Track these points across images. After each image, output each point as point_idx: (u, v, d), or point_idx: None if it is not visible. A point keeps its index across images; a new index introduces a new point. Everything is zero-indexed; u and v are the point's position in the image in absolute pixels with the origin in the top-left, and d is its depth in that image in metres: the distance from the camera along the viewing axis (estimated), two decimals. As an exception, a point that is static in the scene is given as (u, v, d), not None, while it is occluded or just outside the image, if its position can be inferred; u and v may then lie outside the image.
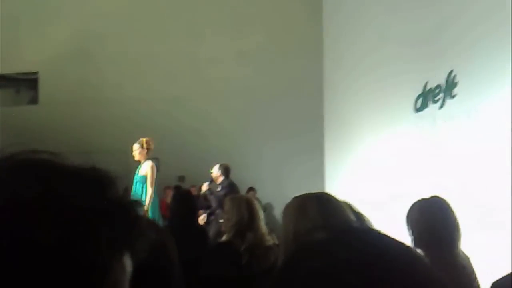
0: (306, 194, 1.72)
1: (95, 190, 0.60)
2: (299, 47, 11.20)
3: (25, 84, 12.17)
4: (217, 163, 7.10)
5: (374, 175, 7.23)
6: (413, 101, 6.52)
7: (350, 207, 1.70)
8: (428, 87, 6.25)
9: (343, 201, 1.70)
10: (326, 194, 1.67)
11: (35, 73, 12.00)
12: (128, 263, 0.60)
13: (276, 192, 10.59)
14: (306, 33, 11.03)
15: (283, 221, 1.64)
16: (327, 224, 1.51)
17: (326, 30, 9.50)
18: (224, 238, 3.51)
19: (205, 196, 6.85)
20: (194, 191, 9.11)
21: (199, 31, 11.51)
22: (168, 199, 10.14)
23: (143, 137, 11.24)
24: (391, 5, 7.20)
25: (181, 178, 11.07)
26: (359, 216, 1.74)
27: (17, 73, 12.05)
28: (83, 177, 0.62)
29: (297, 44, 11.27)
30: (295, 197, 1.72)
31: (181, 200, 4.35)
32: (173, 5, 11.46)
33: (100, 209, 0.58)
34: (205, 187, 7.03)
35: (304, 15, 11.10)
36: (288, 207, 1.67)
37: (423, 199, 2.51)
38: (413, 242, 2.40)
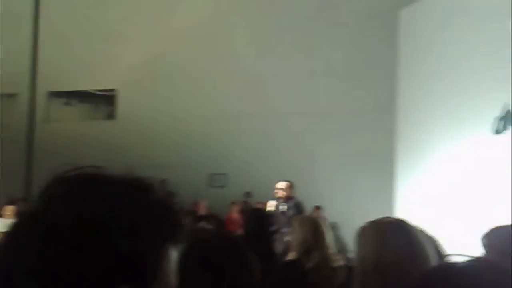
0: (385, 220, 1.69)
1: (141, 196, 0.73)
2: (372, 66, 11.09)
3: (103, 100, 12.75)
4: (283, 180, 7.08)
5: (448, 198, 6.98)
6: (491, 123, 6.30)
7: (425, 234, 1.68)
8: (507, 109, 6.02)
9: (418, 228, 1.68)
10: (404, 221, 1.65)
11: (113, 90, 12.61)
12: (172, 253, 0.74)
13: (343, 211, 10.47)
14: (379, 52, 10.90)
15: (360, 247, 1.61)
16: (410, 254, 1.50)
17: (401, 45, 9.33)
18: (290, 256, 3.54)
19: (271, 214, 6.85)
20: (260, 207, 9.18)
21: (271, 51, 11.68)
22: (234, 214, 10.29)
23: (212, 153, 11.58)
24: (473, 23, 7.00)
25: (248, 194, 11.20)
26: (434, 243, 1.72)
27: (97, 90, 12.63)
28: (130, 186, 0.75)
29: (369, 64, 11.17)
30: (372, 222, 1.68)
31: (256, 217, 4.41)
32: (242, 24, 11.72)
33: (148, 214, 0.71)
34: (271, 205, 6.98)
35: (379, 31, 10.96)
36: (364, 233, 1.64)
37: (504, 226, 2.48)
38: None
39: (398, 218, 1.74)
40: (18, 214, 0.73)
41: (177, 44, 11.89)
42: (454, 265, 1.01)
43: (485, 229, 2.54)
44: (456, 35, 7.33)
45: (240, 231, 6.26)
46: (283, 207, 6.72)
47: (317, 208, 10.53)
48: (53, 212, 0.66)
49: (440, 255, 1.71)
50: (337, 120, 11.25)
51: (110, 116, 12.74)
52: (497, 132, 6.23)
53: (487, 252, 2.46)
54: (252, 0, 11.85)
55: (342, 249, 6.00)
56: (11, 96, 12.75)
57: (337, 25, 11.43)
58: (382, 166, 9.92)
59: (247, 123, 11.55)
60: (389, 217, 2.65)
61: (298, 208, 6.65)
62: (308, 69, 11.47)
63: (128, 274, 0.67)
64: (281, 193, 6.79)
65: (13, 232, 0.68)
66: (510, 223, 2.53)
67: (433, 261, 1.55)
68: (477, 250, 2.53)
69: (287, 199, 6.76)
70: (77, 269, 0.64)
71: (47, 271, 0.63)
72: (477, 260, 1.02)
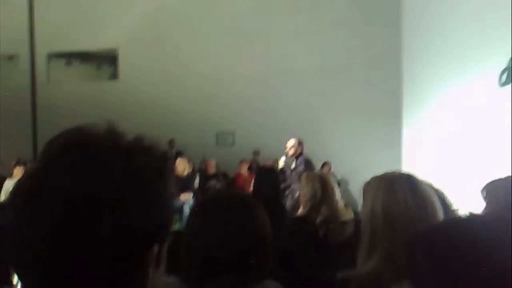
0: (392, 174, 1.72)
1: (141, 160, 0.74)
2: (375, 18, 10.92)
3: (106, 60, 12.64)
4: (292, 138, 7.16)
5: (453, 151, 7.01)
6: (498, 73, 6.22)
7: (433, 188, 1.71)
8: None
9: (426, 182, 1.71)
10: (412, 175, 1.68)
11: (115, 49, 12.47)
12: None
13: (350, 167, 10.55)
14: (382, 5, 10.72)
15: (368, 199, 1.64)
16: (418, 206, 1.53)
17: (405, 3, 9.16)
18: (299, 212, 3.62)
19: (282, 170, 6.95)
20: (268, 164, 9.27)
21: (273, 8, 11.49)
22: (244, 172, 10.42)
23: (219, 112, 11.57)
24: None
25: (256, 152, 11.28)
26: (441, 197, 1.75)
27: (98, 50, 12.50)
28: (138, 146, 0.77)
29: (373, 16, 11.00)
30: (380, 177, 1.71)
31: (266, 174, 4.47)
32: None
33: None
34: (282, 162, 7.12)
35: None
36: (372, 186, 1.65)
37: (509, 177, 2.52)
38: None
39: (405, 172, 1.77)
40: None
41: (178, 5, 11.69)
42: (459, 220, 1.05)
43: (486, 181, 2.59)
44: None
45: (250, 189, 6.37)
46: (293, 164, 6.85)
47: (325, 164, 10.61)
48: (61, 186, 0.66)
49: (447, 208, 1.75)
50: (343, 77, 11.19)
51: (113, 76, 12.66)
52: (502, 84, 6.17)
53: (487, 203, 2.52)
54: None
55: (350, 204, 6.07)
56: (11, 58, 12.66)
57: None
58: (389, 121, 9.93)
59: (253, 81, 11.51)
60: (396, 171, 2.69)
61: (307, 164, 6.77)
62: (313, 26, 11.32)
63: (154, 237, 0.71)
64: (291, 150, 6.91)
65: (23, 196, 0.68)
66: (510, 175, 2.57)
67: (440, 214, 1.59)
68: (479, 201, 2.59)
69: (297, 156, 6.88)
70: (92, 238, 0.65)
71: (59, 241, 0.64)
72: (480, 213, 1.06)
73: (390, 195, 1.59)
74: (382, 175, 1.73)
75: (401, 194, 1.58)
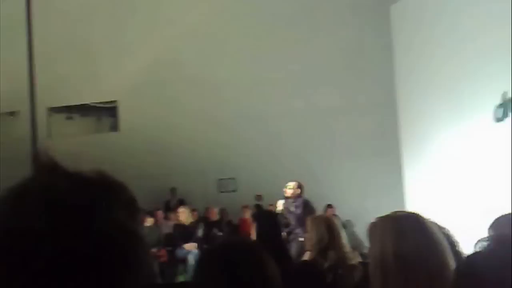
0: (399, 214, 1.71)
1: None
2: (370, 64, 11.11)
3: (106, 112, 12.73)
4: (294, 181, 7.15)
5: (454, 189, 7.00)
6: (492, 110, 6.31)
7: (438, 226, 1.71)
8: (507, 97, 6.04)
9: (430, 220, 1.71)
10: (418, 214, 1.67)
11: (114, 101, 12.58)
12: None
13: (355, 209, 10.48)
14: (375, 44, 10.93)
15: (375, 240, 1.62)
16: (428, 246, 1.53)
17: (395, 44, 9.37)
18: (306, 257, 3.58)
19: (282, 214, 6.91)
20: (272, 209, 9.22)
21: (272, 53, 11.69)
22: (246, 218, 10.34)
23: (220, 158, 11.60)
24: (469, 14, 7.01)
25: (259, 197, 11.24)
26: (446, 235, 1.75)
27: (98, 102, 12.61)
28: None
29: (366, 57, 11.19)
30: (386, 217, 1.70)
31: (267, 220, 4.44)
32: (245, 30, 11.73)
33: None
34: (280, 205, 7.09)
35: (373, 26, 10.99)
36: (379, 227, 1.64)
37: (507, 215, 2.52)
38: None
39: (411, 211, 1.77)
40: None
41: (176, 49, 11.84)
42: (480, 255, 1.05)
43: (489, 217, 2.58)
44: (452, 24, 7.35)
45: (253, 235, 6.31)
46: (292, 207, 6.81)
47: (329, 206, 10.55)
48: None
49: (453, 246, 1.74)
50: (341, 119, 11.28)
51: (114, 128, 12.71)
52: (498, 120, 6.25)
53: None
54: (249, 2, 11.86)
55: (356, 247, 6.02)
56: (12, 114, 12.76)
57: (334, 17, 11.47)
58: (389, 162, 9.95)
59: (253, 125, 11.58)
60: (402, 211, 2.69)
61: (306, 206, 6.74)
62: (306, 69, 11.50)
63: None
64: (288, 193, 6.89)
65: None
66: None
67: (449, 252, 1.58)
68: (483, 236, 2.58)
69: (295, 198, 6.86)
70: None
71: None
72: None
73: (399, 235, 1.57)
74: (388, 215, 1.72)
75: (410, 234, 1.57)
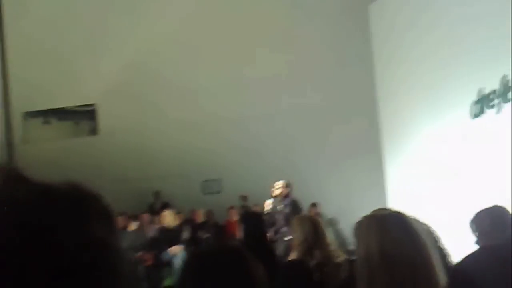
0: (383, 212, 1.73)
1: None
2: (349, 62, 11.18)
3: (84, 116, 12.49)
4: (279, 180, 7.17)
5: (434, 185, 7.10)
6: (468, 107, 6.41)
7: (420, 223, 1.74)
8: (483, 93, 6.14)
9: (413, 217, 1.73)
10: (402, 213, 1.69)
11: (93, 104, 12.37)
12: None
13: (339, 207, 10.55)
14: (355, 43, 11.01)
15: (361, 240, 1.64)
16: (412, 244, 1.55)
17: (374, 41, 9.45)
18: (292, 256, 3.60)
19: (270, 214, 6.93)
20: (258, 210, 9.22)
21: (249, 53, 11.68)
22: (232, 219, 10.33)
23: (205, 159, 11.56)
24: (446, 11, 7.11)
25: (244, 198, 11.23)
26: (428, 231, 1.78)
27: (76, 106, 12.38)
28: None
29: (346, 56, 11.27)
30: (371, 216, 1.72)
31: (253, 221, 4.46)
32: (226, 31, 11.69)
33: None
34: (268, 205, 7.10)
35: (350, 31, 11.08)
36: (364, 226, 1.66)
37: (492, 208, 2.58)
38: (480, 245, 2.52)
39: (394, 209, 1.79)
40: None
41: (155, 51, 11.73)
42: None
43: (468, 213, 2.65)
44: (429, 23, 7.44)
45: (240, 236, 6.30)
46: (280, 206, 6.83)
47: (313, 205, 10.60)
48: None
49: (435, 242, 1.77)
50: (322, 116, 11.33)
51: (93, 131, 12.46)
52: (474, 116, 6.35)
53: (477, 236, 2.56)
54: (229, 4, 11.84)
55: (341, 244, 6.05)
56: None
57: (311, 23, 11.51)
58: (371, 160, 10.03)
59: (235, 126, 11.56)
60: (385, 209, 2.72)
61: (294, 206, 6.77)
62: (291, 67, 11.52)
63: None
64: (277, 192, 6.91)
65: None
66: (492, 205, 2.64)
67: (432, 249, 1.61)
68: (465, 232, 2.64)
69: (284, 197, 6.88)
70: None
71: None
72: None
73: (384, 234, 1.60)
74: (372, 214, 1.75)
75: (395, 232, 1.60)
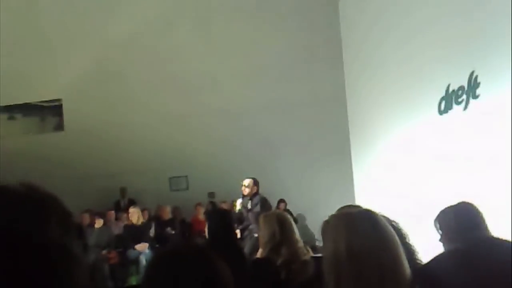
0: (351, 209, 1.72)
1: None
2: (318, 55, 11.22)
3: (50, 112, 12.33)
4: (247, 178, 7.16)
5: (401, 180, 7.19)
6: (437, 103, 6.49)
7: (388, 220, 1.73)
8: (451, 89, 6.23)
9: (381, 214, 1.73)
10: (371, 210, 1.68)
11: (59, 100, 12.15)
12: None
13: (306, 203, 10.61)
14: (324, 40, 11.04)
15: (329, 238, 1.62)
16: (380, 241, 1.54)
17: (344, 37, 9.50)
18: (259, 254, 3.57)
19: (240, 212, 6.94)
20: (225, 206, 9.19)
21: (220, 49, 11.61)
22: (200, 216, 10.26)
23: (172, 155, 11.45)
24: (412, 8, 7.18)
25: (211, 194, 11.18)
26: (395, 228, 1.77)
27: (42, 101, 12.21)
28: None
29: (316, 53, 11.30)
30: (339, 214, 1.70)
31: (218, 218, 4.40)
32: (192, 25, 11.58)
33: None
34: (239, 203, 7.12)
35: (322, 22, 11.10)
36: (332, 224, 1.64)
37: (457, 205, 2.59)
38: (444, 243, 2.54)
39: (362, 206, 1.78)
40: None
41: (122, 44, 11.54)
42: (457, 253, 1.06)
43: (436, 211, 2.66)
44: (398, 18, 7.51)
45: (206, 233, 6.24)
46: (249, 204, 6.84)
47: (281, 201, 10.64)
48: None
49: (403, 239, 1.77)
50: (290, 113, 11.35)
51: (58, 127, 12.28)
52: (441, 112, 6.44)
53: (441, 234, 2.58)
54: (193, 2, 11.70)
55: (308, 240, 6.07)
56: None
57: (279, 18, 11.50)
58: (338, 156, 10.11)
59: (202, 123, 11.48)
60: (353, 205, 2.72)
61: (263, 203, 6.77)
62: (256, 64, 11.49)
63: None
64: (246, 191, 6.90)
65: None
66: (457, 202, 2.65)
67: (400, 247, 1.60)
68: (431, 230, 2.65)
69: (253, 195, 6.87)
70: None
71: None
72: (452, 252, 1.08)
73: (352, 232, 1.58)
74: (341, 212, 1.73)
75: (362, 230, 1.59)
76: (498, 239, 2.06)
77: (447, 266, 1.08)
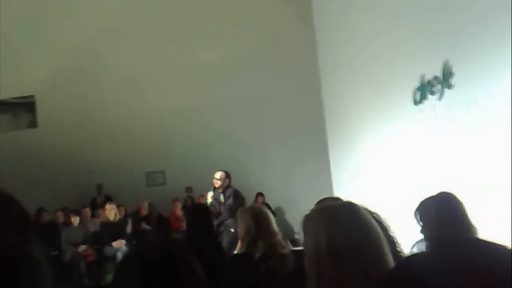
0: (331, 202, 1.68)
1: None
2: (293, 51, 11.20)
3: (23, 108, 12.09)
4: (219, 171, 7.03)
5: (379, 171, 7.22)
6: (411, 94, 6.52)
7: (369, 211, 1.69)
8: (425, 79, 6.25)
9: (362, 206, 1.68)
10: (352, 203, 1.64)
11: (32, 96, 11.91)
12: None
13: (285, 196, 10.59)
14: (298, 37, 11.02)
15: (309, 232, 1.57)
16: (362, 234, 1.50)
17: (318, 30, 9.46)
18: (238, 249, 3.52)
19: (212, 205, 6.79)
20: (203, 201, 9.11)
21: (196, 42, 11.50)
22: (177, 211, 10.17)
23: (148, 151, 11.30)
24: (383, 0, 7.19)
25: (189, 189, 11.09)
26: (377, 220, 1.73)
27: (14, 98, 11.95)
28: None
29: (291, 49, 11.27)
30: (319, 208, 1.66)
31: (197, 214, 4.34)
32: (166, 18, 11.42)
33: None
34: (210, 196, 6.95)
35: (294, 19, 11.09)
36: (313, 218, 1.60)
37: (437, 195, 2.58)
38: (425, 234, 2.52)
39: (343, 199, 1.74)
40: None
41: (95, 39, 11.34)
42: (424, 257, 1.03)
43: (415, 202, 2.64)
44: (369, 10, 7.51)
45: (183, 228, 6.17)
46: (222, 197, 6.73)
47: (260, 195, 10.60)
48: None
49: (385, 232, 1.73)
50: (268, 106, 11.31)
51: (32, 124, 12.05)
52: (416, 102, 6.47)
53: (422, 225, 2.56)
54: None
55: (287, 234, 6.04)
56: None
57: (254, 13, 11.44)
58: (316, 147, 10.10)
59: (177, 118, 11.36)
60: (332, 198, 2.68)
61: (236, 196, 6.69)
62: (232, 58, 11.41)
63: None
64: (217, 183, 6.79)
65: None
66: (437, 193, 2.64)
67: (383, 239, 1.56)
68: (412, 221, 2.63)
69: (225, 188, 6.78)
70: None
71: None
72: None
73: (333, 225, 1.54)
74: (322, 205, 1.69)
75: (343, 223, 1.54)
76: (482, 240, 2.04)
77: (430, 265, 1.04)
